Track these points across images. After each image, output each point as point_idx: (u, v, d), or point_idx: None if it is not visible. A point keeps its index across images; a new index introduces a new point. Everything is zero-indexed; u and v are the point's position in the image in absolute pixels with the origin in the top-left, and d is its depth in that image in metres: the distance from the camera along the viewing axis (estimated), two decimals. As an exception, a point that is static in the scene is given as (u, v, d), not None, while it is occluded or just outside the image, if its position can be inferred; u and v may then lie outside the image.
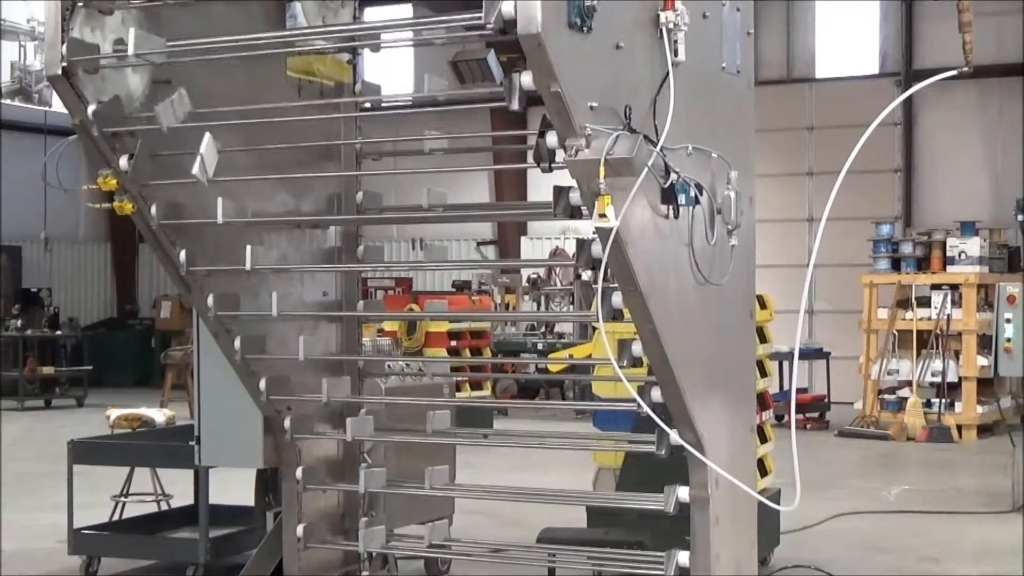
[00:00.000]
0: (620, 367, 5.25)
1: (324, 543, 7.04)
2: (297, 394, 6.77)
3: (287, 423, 6.75)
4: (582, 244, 5.04)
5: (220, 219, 6.09)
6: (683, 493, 5.61)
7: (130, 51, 5.73)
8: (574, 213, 5.04)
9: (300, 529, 6.86)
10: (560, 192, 5.03)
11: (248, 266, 6.28)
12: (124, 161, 5.91)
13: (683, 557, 5.61)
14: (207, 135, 5.79)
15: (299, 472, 6.83)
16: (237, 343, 6.51)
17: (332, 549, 7.14)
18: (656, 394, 5.41)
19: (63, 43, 5.74)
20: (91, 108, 5.82)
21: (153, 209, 6.10)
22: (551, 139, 4.84)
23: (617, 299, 5.14)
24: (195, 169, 5.75)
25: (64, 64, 5.74)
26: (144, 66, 5.98)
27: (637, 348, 5.35)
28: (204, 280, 6.41)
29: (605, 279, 5.04)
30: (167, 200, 6.16)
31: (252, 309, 6.57)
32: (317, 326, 7.09)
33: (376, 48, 6.53)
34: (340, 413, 7.03)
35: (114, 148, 5.93)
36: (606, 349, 5.25)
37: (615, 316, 5.23)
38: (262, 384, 6.65)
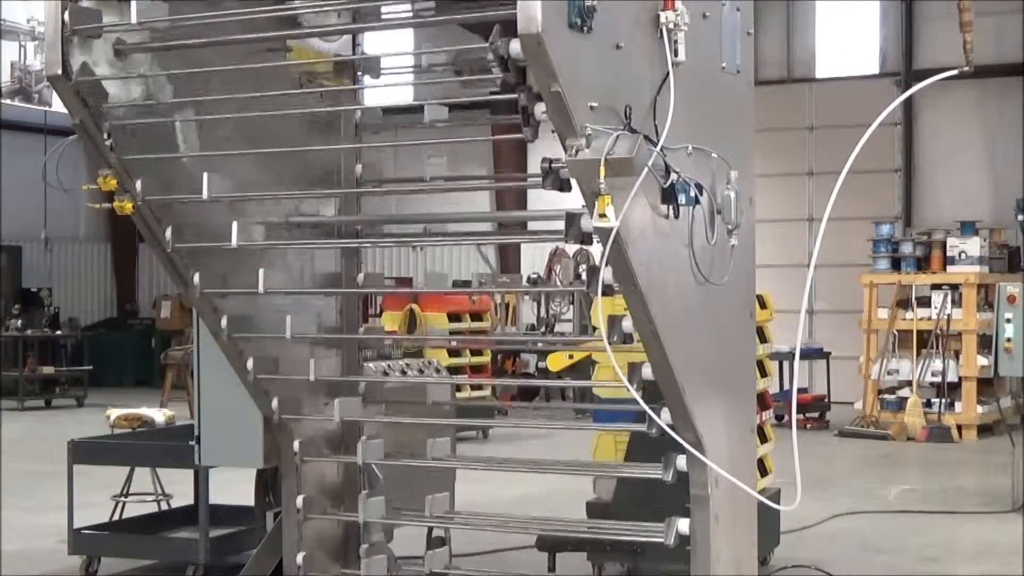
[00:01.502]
0: (610, 343, 5.23)
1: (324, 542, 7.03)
2: (290, 385, 6.70)
3: (274, 403, 6.66)
4: (571, 218, 5.04)
5: (217, 211, 6.08)
6: (681, 462, 5.58)
7: (133, 18, 5.73)
8: (584, 240, 5.05)
9: (300, 513, 6.82)
10: (572, 218, 5.05)
11: (261, 290, 6.26)
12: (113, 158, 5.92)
13: (683, 524, 5.60)
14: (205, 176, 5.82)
15: (296, 444, 6.77)
16: (224, 321, 6.45)
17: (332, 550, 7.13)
18: (647, 371, 5.39)
19: (63, 43, 5.74)
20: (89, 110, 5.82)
21: (138, 184, 6.03)
22: (536, 108, 4.82)
23: (608, 275, 5.12)
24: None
25: (66, 31, 5.71)
26: (143, 77, 5.99)
27: (627, 324, 5.32)
28: (217, 299, 6.38)
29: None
30: (154, 178, 6.10)
31: (262, 326, 6.55)
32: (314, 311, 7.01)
33: (376, 74, 6.55)
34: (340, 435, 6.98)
35: (112, 147, 5.93)
36: (606, 349, 5.26)
37: (607, 292, 5.20)
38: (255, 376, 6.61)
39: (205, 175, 6.01)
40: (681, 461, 5.58)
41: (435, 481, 6.98)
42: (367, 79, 6.83)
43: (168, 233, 6.20)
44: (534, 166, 5.18)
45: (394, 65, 6.78)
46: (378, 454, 6.62)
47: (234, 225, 6.19)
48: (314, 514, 6.83)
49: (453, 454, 6.96)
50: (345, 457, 6.84)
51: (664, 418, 5.39)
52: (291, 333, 6.42)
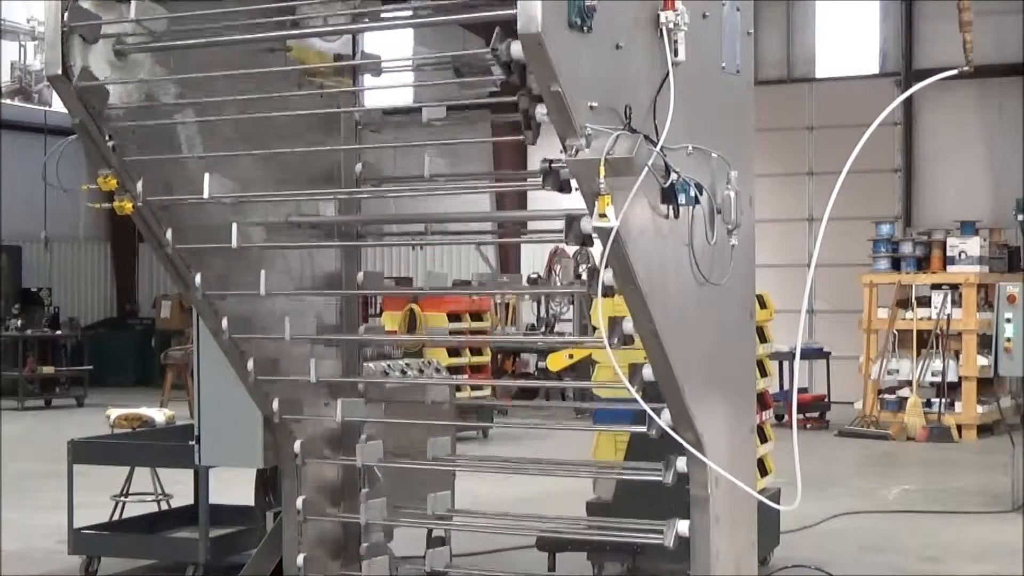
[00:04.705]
0: (611, 344, 5.23)
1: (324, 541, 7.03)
2: (291, 385, 6.70)
3: (275, 404, 6.68)
4: (571, 220, 5.05)
5: (230, 233, 6.05)
6: (681, 464, 5.59)
7: (131, 14, 5.73)
8: (585, 241, 5.06)
9: (301, 514, 6.81)
10: (572, 220, 5.06)
11: (263, 292, 6.26)
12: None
13: (683, 526, 5.59)
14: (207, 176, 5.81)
15: (297, 445, 6.76)
16: (224, 322, 6.46)
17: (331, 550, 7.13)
18: (648, 371, 5.39)
19: (63, 42, 5.74)
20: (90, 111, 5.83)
21: (139, 185, 6.04)
22: (537, 110, 4.83)
23: (608, 276, 5.12)
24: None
25: (65, 28, 5.71)
26: (143, 76, 5.98)
27: (628, 326, 5.33)
28: (217, 301, 6.38)
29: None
30: (155, 179, 6.11)
31: (262, 327, 6.53)
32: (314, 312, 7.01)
33: (377, 72, 6.55)
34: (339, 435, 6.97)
35: (115, 148, 5.94)
36: (606, 349, 5.26)
37: (607, 293, 5.21)
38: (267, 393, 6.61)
39: (206, 176, 6.00)
40: (681, 463, 5.58)
41: (435, 478, 6.99)
42: (367, 78, 6.84)
43: (169, 234, 6.21)
44: (534, 165, 5.19)
45: (394, 66, 6.78)
46: (377, 455, 6.61)
47: (234, 226, 6.19)
48: (314, 515, 6.83)
49: (453, 453, 6.95)
50: (345, 459, 6.83)
51: (664, 418, 5.39)
52: (291, 334, 6.41)
